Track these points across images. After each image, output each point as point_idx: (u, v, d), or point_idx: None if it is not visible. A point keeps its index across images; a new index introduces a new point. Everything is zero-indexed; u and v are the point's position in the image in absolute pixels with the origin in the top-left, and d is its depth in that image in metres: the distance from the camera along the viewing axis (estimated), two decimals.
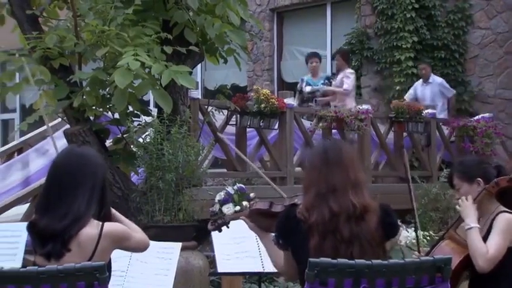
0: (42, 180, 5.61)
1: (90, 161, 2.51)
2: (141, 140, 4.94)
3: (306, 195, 2.44)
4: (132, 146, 5.05)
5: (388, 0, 9.08)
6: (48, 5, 4.96)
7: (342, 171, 2.40)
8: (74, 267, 2.18)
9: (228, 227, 2.82)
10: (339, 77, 8.34)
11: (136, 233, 2.57)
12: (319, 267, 2.16)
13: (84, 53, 4.58)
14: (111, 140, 5.36)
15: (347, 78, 8.15)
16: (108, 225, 2.45)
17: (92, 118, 4.94)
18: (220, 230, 2.84)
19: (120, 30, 4.37)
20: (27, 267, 2.19)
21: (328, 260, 2.17)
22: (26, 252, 3.43)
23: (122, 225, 2.54)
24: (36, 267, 2.22)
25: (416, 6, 8.98)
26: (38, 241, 2.40)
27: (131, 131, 4.84)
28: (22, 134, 7.77)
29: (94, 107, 4.79)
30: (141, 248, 2.62)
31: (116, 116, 4.95)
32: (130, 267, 3.26)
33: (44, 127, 7.82)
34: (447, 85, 8.87)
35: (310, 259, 2.17)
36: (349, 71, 8.32)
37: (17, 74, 5.20)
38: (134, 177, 5.30)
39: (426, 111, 7.76)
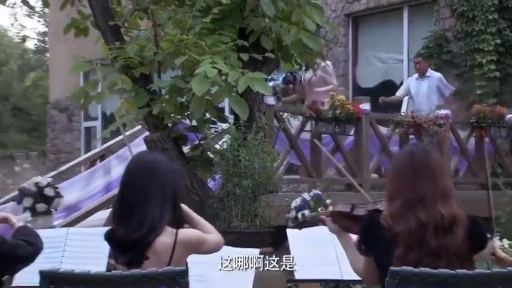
0: None
1: (160, 168, 2.50)
2: (217, 146, 5.01)
3: (391, 202, 2.34)
4: (209, 153, 5.12)
5: (468, 2, 8.80)
6: (129, 16, 5.12)
7: (430, 179, 2.29)
8: (156, 272, 2.22)
9: (308, 227, 2.79)
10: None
11: (211, 233, 2.57)
12: (400, 275, 2.10)
13: (164, 61, 4.69)
14: (188, 147, 5.46)
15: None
16: (183, 233, 2.45)
17: (170, 125, 5.05)
18: (300, 228, 2.81)
19: (198, 38, 4.45)
20: (112, 272, 2.26)
21: (410, 268, 2.11)
22: (110, 256, 3.53)
23: (195, 230, 2.54)
24: (120, 271, 2.28)
25: (499, 7, 8.67)
26: (117, 250, 2.45)
27: (208, 137, 4.91)
28: (104, 141, 8.04)
29: (172, 114, 4.90)
30: (214, 250, 2.62)
31: (194, 123, 5.04)
32: (208, 273, 3.29)
33: (125, 134, 8.08)
34: (445, 82, 8.11)
35: (391, 267, 2.12)
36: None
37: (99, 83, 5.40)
38: (211, 183, 5.37)
39: (509, 116, 7.45)
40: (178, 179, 2.67)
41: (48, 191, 5.24)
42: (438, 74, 8.23)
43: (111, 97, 5.08)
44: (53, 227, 5.01)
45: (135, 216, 2.40)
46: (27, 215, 5.11)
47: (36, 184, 5.22)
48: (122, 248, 2.41)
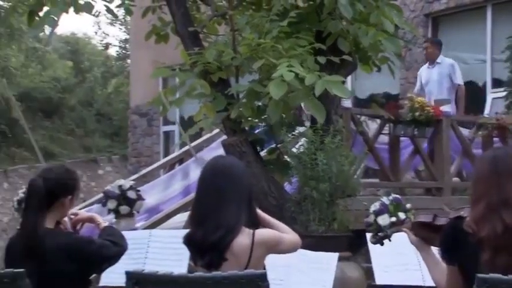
0: None
1: (236, 171, 2.55)
2: (294, 149, 5.01)
3: (474, 206, 2.30)
4: (285, 156, 5.13)
5: None
6: (208, 22, 5.21)
7: None
8: (237, 275, 2.25)
9: (390, 240, 2.75)
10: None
11: (287, 234, 2.58)
12: (488, 283, 2.03)
13: (241, 66, 4.74)
14: (265, 150, 5.49)
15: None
16: (260, 233, 2.48)
17: (247, 129, 5.09)
18: (382, 244, 2.78)
19: (275, 42, 4.47)
20: (195, 274, 2.30)
21: (498, 275, 2.04)
22: (191, 258, 3.60)
23: (272, 230, 2.56)
24: (202, 273, 2.32)
25: None
26: (196, 253, 2.50)
27: (285, 141, 4.92)
28: (183, 145, 8.21)
29: (250, 118, 4.94)
30: (292, 250, 2.63)
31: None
32: (288, 277, 3.30)
33: (204, 137, 8.23)
34: (458, 70, 7.38)
35: (478, 275, 2.05)
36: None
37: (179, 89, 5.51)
38: (287, 187, 5.38)
39: None
40: (253, 181, 2.70)
41: (131, 194, 5.39)
42: (451, 61, 7.56)
43: (189, 101, 5.19)
44: (135, 228, 5.15)
45: (212, 219, 2.44)
46: (111, 217, 5.27)
47: (120, 187, 5.38)
48: (200, 250, 2.46)
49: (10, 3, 5.30)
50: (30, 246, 2.77)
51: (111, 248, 2.91)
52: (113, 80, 27.38)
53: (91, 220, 3.13)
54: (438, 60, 7.41)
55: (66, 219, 3.04)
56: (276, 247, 2.53)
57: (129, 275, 2.38)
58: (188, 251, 3.62)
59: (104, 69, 28.18)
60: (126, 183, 5.52)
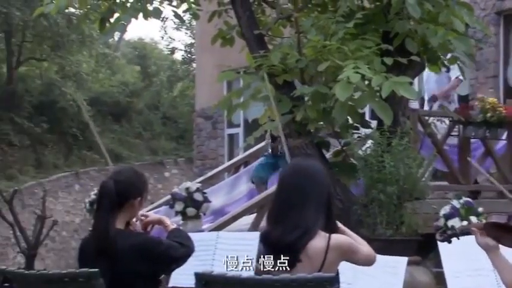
0: (266, 192, 5.93)
1: (316, 173, 2.57)
2: (360, 152, 4.95)
3: None
4: (351, 158, 5.08)
5: None
6: (273, 25, 5.23)
7: None
8: (305, 278, 2.24)
9: (458, 239, 2.67)
10: None
11: (363, 246, 2.57)
12: None
13: (306, 68, 4.73)
14: (330, 153, 5.45)
15: None
16: (336, 238, 2.48)
17: (313, 131, 5.07)
18: (449, 242, 2.70)
19: (341, 44, 4.44)
20: (263, 276, 2.30)
21: None
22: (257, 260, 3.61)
23: (348, 238, 2.55)
24: (270, 276, 2.32)
25: None
26: (271, 252, 2.51)
27: (351, 143, 4.88)
28: (247, 147, 8.24)
29: (315, 120, 4.92)
30: (368, 263, 2.61)
31: (336, 128, 5.03)
32: (356, 280, 3.26)
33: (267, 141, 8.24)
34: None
35: None
36: None
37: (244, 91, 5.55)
38: (353, 190, 5.32)
39: None
40: (331, 184, 2.70)
41: (197, 196, 5.46)
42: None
43: (255, 104, 5.21)
44: (202, 230, 5.21)
45: (290, 219, 2.45)
46: (179, 219, 5.36)
47: (187, 189, 5.46)
48: (275, 249, 2.46)
49: (82, 11, 5.47)
50: (102, 246, 2.84)
51: (178, 249, 2.95)
52: (179, 83, 27.87)
53: (160, 222, 3.19)
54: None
55: (136, 220, 3.11)
56: (351, 256, 2.51)
57: (198, 276, 2.41)
58: (255, 253, 3.66)
59: (170, 73, 28.73)
60: (193, 185, 5.60)
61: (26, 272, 2.79)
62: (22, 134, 19.76)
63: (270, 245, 2.51)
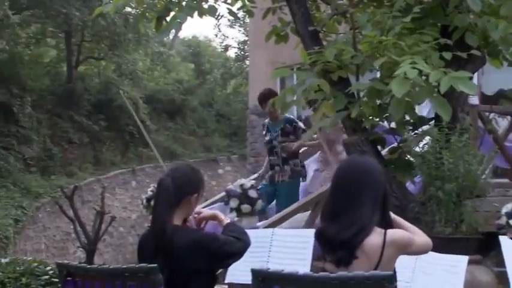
0: (321, 189, 5.90)
1: (372, 170, 2.56)
2: (417, 149, 4.86)
3: None
4: (408, 155, 4.99)
5: None
6: (328, 21, 5.18)
7: None
8: (363, 276, 2.22)
9: None
10: None
11: (419, 236, 2.55)
12: None
13: (362, 64, 4.67)
14: (386, 149, 5.37)
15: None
16: (391, 233, 2.46)
17: (368, 128, 5.00)
18: None
19: (398, 39, 4.36)
20: (320, 273, 2.29)
21: None
22: (314, 258, 3.60)
23: (404, 231, 2.53)
24: (327, 273, 2.31)
25: None
26: (326, 249, 2.50)
27: (408, 139, 4.79)
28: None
29: (371, 117, 4.85)
30: (423, 252, 2.61)
31: (392, 125, 4.95)
32: (414, 278, 3.20)
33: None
34: None
35: None
36: None
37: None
38: (410, 187, 5.23)
39: None
40: (386, 181, 2.68)
41: (252, 193, 5.48)
42: None
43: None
44: (256, 227, 5.23)
45: (346, 216, 2.44)
46: (233, 215, 5.39)
47: (241, 186, 5.49)
48: (331, 247, 2.46)
49: (139, 10, 5.57)
50: (160, 243, 2.89)
51: (234, 244, 2.97)
52: (232, 81, 28.07)
53: (214, 217, 3.22)
54: None
55: (190, 217, 3.15)
56: (407, 248, 2.50)
57: (255, 273, 2.42)
58: (311, 251, 3.66)
59: (223, 70, 28.96)
60: (248, 182, 5.62)
61: (88, 266, 2.87)
62: (81, 131, 20.30)
63: (325, 242, 2.50)
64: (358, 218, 2.43)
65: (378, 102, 4.79)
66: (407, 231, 2.55)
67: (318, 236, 2.55)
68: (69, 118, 20.80)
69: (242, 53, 28.44)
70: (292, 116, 6.87)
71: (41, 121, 19.61)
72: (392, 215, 2.61)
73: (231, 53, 30.85)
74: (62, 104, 21.02)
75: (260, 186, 6.33)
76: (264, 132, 6.74)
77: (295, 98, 4.99)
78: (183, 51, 30.79)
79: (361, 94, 4.78)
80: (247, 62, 24.37)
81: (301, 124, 6.64)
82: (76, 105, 21.23)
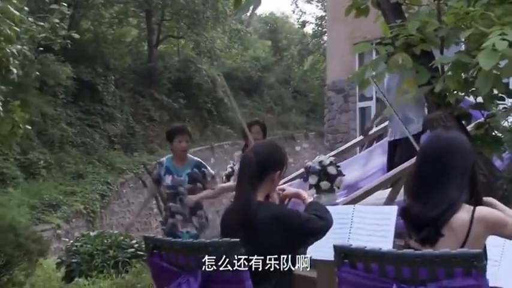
0: (401, 166, 5.78)
1: (460, 145, 2.47)
2: (506, 124, 4.66)
3: None
4: (495, 131, 4.80)
5: None
6: None
7: None
8: (450, 254, 2.15)
9: None
10: None
11: None
12: None
13: (447, 36, 4.50)
14: (472, 125, 5.18)
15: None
16: (480, 210, 2.38)
17: (453, 103, 4.84)
18: None
19: (485, 9, 4.16)
20: (404, 251, 2.25)
21: None
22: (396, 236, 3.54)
23: (495, 210, 2.43)
24: (412, 250, 2.26)
25: None
26: (412, 226, 2.44)
27: (496, 114, 4.60)
28: (381, 120, 8.06)
29: (455, 92, 4.69)
30: None
31: (478, 99, 4.76)
32: (503, 258, 3.09)
33: None
34: None
35: None
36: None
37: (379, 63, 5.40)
38: (497, 163, 5.04)
39: None
40: (475, 156, 2.59)
41: (331, 170, 5.44)
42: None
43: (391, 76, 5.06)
44: (336, 204, 5.20)
45: (433, 193, 2.38)
46: (312, 192, 5.38)
47: (320, 163, 5.46)
48: (416, 225, 2.40)
49: None
50: (243, 218, 2.92)
51: (317, 222, 2.97)
52: (309, 57, 27.86)
53: (297, 195, 3.22)
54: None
55: (274, 194, 3.16)
56: (499, 229, 2.39)
57: (337, 249, 2.40)
58: (393, 228, 3.60)
59: (300, 47, 28.79)
60: (327, 159, 5.58)
61: (172, 240, 2.94)
62: (161, 109, 20.82)
63: (410, 220, 2.45)
64: (446, 195, 2.36)
65: (464, 76, 4.62)
66: (502, 211, 2.45)
67: (403, 214, 2.49)
68: (150, 96, 21.36)
69: (320, 28, 28.13)
70: (200, 160, 5.81)
71: (124, 99, 20.24)
72: (488, 198, 2.51)
73: (309, 29, 30.57)
74: (143, 82, 21.59)
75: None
76: (160, 173, 5.59)
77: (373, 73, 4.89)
78: (260, 28, 30.83)
79: (446, 68, 4.62)
80: (325, 38, 24.08)
81: (210, 170, 5.70)
82: (156, 84, 21.75)
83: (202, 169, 5.60)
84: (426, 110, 6.03)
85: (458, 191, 2.36)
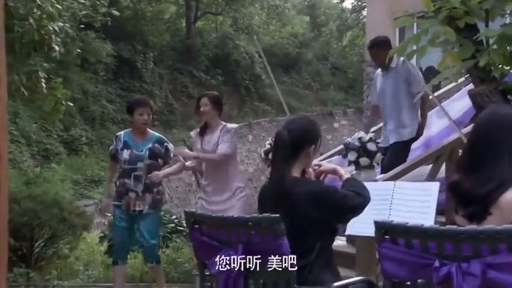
0: (443, 142, 5.69)
1: None
2: None
3: None
4: None
5: None
6: None
7: None
8: (494, 230, 2.11)
9: None
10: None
11: None
12: None
13: (492, 8, 4.38)
14: None
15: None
16: None
17: (498, 77, 4.73)
18: None
19: None
20: (447, 227, 2.22)
21: None
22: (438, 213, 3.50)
23: None
24: (455, 226, 2.23)
25: None
26: (460, 202, 2.40)
27: None
28: None
29: (501, 66, 4.57)
30: None
31: None
32: None
33: (444, 89, 7.88)
34: (418, 74, 5.90)
35: None
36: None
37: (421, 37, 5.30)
38: None
39: None
40: None
41: (371, 146, 5.39)
42: (410, 64, 6.00)
43: (430, 51, 4.94)
44: (375, 181, 5.16)
45: (485, 170, 2.32)
46: (352, 169, 5.34)
47: (360, 139, 5.41)
48: (465, 201, 2.36)
49: None
50: (279, 194, 2.93)
51: (354, 198, 2.95)
52: (348, 32, 27.52)
53: (334, 172, 3.20)
54: (392, 64, 6.01)
55: (310, 169, 3.15)
56: None
57: (378, 225, 2.38)
58: (434, 205, 3.55)
59: (339, 22, 28.44)
60: (366, 135, 5.53)
61: (213, 215, 2.97)
62: (200, 86, 20.91)
63: (459, 195, 2.39)
64: (498, 172, 2.29)
65: (509, 49, 4.51)
66: None
67: (452, 189, 2.43)
68: (188, 73, 21.47)
69: (359, 3, 27.68)
70: (161, 135, 5.49)
71: (163, 76, 20.40)
72: None
73: (348, 3, 30.20)
74: (181, 59, 21.70)
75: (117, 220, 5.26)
76: (117, 148, 5.25)
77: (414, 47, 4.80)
78: (298, 4, 30.54)
79: (491, 41, 4.50)
80: (364, 13, 23.72)
81: (170, 146, 5.41)
82: (194, 61, 21.83)
83: (165, 144, 5.34)
84: (419, 116, 5.98)
85: (509, 169, 2.30)
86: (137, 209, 5.20)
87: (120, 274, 5.35)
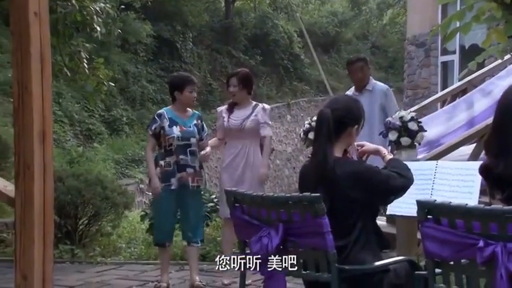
0: (487, 121, 5.57)
1: None
2: None
3: None
4: None
5: None
6: None
7: None
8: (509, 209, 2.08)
9: None
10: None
11: None
12: None
13: None
14: None
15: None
16: None
17: None
18: None
19: None
20: (492, 206, 2.18)
21: None
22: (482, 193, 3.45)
23: None
24: (500, 206, 2.19)
25: None
26: (493, 185, 2.34)
27: None
28: (466, 75, 7.78)
29: None
30: None
31: None
32: None
33: (488, 67, 7.71)
34: (393, 98, 5.86)
35: None
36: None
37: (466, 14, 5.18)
38: None
39: None
40: None
41: (412, 125, 5.31)
42: (384, 86, 5.92)
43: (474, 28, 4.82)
44: (417, 160, 5.09)
45: None
46: (393, 149, 5.28)
47: (401, 118, 5.34)
48: (499, 184, 2.29)
49: None
50: (321, 173, 2.92)
51: (397, 179, 2.92)
52: (389, 10, 27.05)
53: (377, 152, 3.17)
54: (368, 86, 5.87)
55: (351, 149, 3.13)
56: None
57: (421, 204, 2.36)
58: (478, 184, 3.49)
59: (379, 0, 27.96)
60: (407, 114, 5.45)
61: (253, 194, 2.98)
62: (238, 66, 20.88)
63: (492, 179, 2.33)
64: None
65: None
66: None
67: (484, 172, 2.36)
68: (227, 53, 21.47)
69: None
70: (198, 112, 5.49)
71: (202, 56, 20.46)
72: None
73: None
74: (220, 39, 21.70)
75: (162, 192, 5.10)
76: (163, 126, 5.13)
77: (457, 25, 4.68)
78: None
79: None
80: None
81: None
82: (233, 41, 21.81)
83: (202, 122, 5.34)
84: None
85: None
86: (195, 184, 5.16)
87: (168, 255, 5.35)
